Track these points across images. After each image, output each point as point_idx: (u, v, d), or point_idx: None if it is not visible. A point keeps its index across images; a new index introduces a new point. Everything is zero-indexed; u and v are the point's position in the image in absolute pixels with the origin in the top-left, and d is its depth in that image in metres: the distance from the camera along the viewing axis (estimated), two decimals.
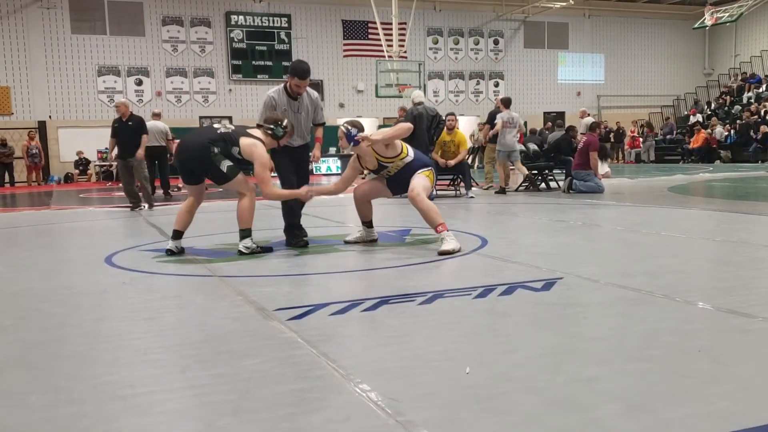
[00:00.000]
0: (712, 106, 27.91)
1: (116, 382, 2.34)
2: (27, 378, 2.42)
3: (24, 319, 3.36)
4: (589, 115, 16.59)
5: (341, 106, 25.81)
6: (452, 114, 11.13)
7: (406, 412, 1.96)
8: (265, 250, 5.20)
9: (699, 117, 26.37)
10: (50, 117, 22.54)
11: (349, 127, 5.22)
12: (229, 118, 24.84)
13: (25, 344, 2.88)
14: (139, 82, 23.57)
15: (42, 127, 22.31)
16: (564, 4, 27.21)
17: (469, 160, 13.11)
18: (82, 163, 22.55)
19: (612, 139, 25.33)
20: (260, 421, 1.94)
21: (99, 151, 22.37)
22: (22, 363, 2.61)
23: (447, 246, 4.86)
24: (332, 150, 24.31)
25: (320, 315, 3.17)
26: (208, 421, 1.97)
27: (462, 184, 10.82)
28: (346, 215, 8.91)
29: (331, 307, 3.29)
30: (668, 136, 26.42)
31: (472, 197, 10.28)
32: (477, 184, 12.93)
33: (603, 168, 12.80)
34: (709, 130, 23.82)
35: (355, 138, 5.13)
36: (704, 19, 26.42)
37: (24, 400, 2.18)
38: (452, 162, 10.60)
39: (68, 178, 22.43)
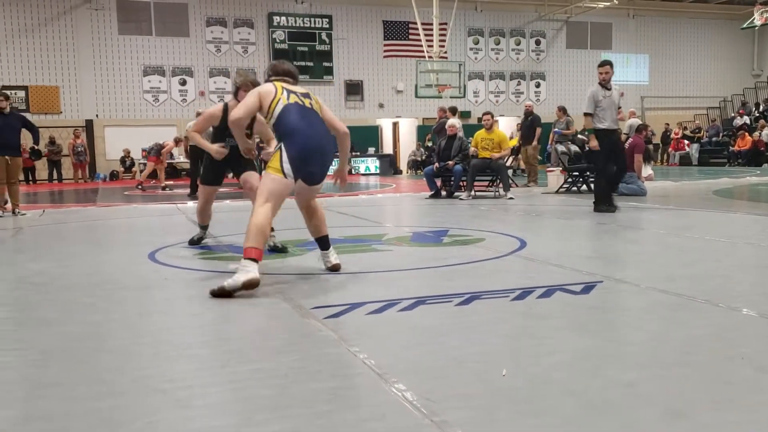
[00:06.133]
0: (761, 108, 27.18)
1: (157, 375, 2.39)
2: (72, 370, 2.49)
3: (70, 312, 3.46)
4: (637, 116, 16.32)
5: (381, 106, 25.86)
6: (488, 113, 11.01)
7: (442, 413, 1.96)
8: (279, 250, 5.19)
9: (746, 119, 25.70)
10: (97, 116, 23.07)
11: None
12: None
13: (71, 337, 2.96)
14: (183, 82, 23.96)
15: (89, 125, 22.86)
16: (608, 4, 26.80)
17: (510, 161, 12.99)
18: (127, 162, 22.98)
19: (660, 141, 24.87)
20: (296, 417, 1.97)
21: (143, 150, 22.80)
22: (68, 355, 2.69)
23: (229, 281, 3.60)
24: (371, 150, 24.44)
25: (357, 314, 3.19)
26: (246, 416, 2.00)
27: (501, 185, 10.75)
28: (384, 215, 8.94)
29: (368, 307, 3.31)
30: (714, 139, 25.82)
31: (511, 198, 10.21)
32: (516, 185, 12.85)
33: (646, 170, 12.59)
34: (756, 133, 23.19)
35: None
36: (753, 19, 25.72)
37: (69, 391, 2.24)
38: (497, 155, 10.55)
39: (114, 176, 22.92)
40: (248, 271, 3.60)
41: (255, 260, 3.67)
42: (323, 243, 4.39)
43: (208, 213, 5.81)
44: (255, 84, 4.69)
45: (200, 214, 5.80)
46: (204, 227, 5.89)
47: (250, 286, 3.58)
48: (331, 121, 4.24)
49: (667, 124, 26.40)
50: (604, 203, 7.90)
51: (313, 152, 4.01)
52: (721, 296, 3.38)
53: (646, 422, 1.87)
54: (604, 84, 7.95)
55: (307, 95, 4.21)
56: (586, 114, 7.97)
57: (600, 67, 8.11)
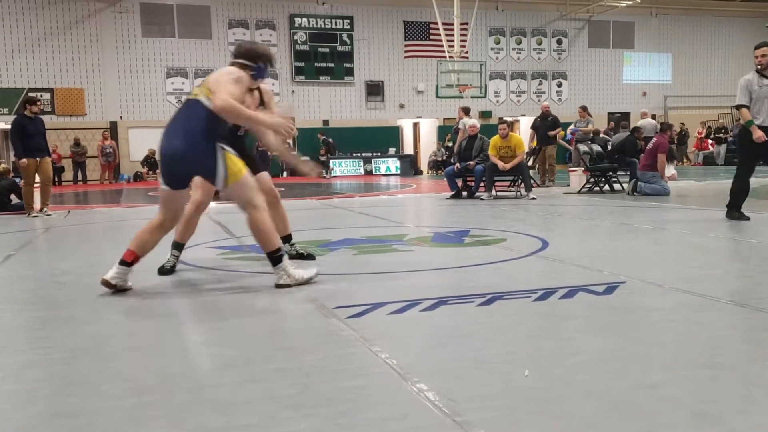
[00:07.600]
0: None
1: (182, 374, 2.42)
2: (98, 368, 2.53)
3: (96, 311, 3.50)
4: (652, 116, 16.14)
5: (401, 106, 25.87)
6: (504, 123, 10.91)
7: (464, 413, 1.96)
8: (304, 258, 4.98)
9: None
10: (121, 117, 23.34)
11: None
12: (292, 119, 25.21)
13: (97, 335, 3.00)
14: None
15: (113, 127, 23.13)
16: (630, 2, 26.56)
17: (530, 162, 12.92)
18: (150, 163, 23.18)
19: (675, 141, 24.55)
20: (319, 416, 1.98)
21: None
22: (94, 353, 2.73)
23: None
24: (392, 150, 24.44)
25: (379, 314, 3.20)
26: (270, 414, 2.01)
27: (522, 185, 10.70)
28: (405, 216, 8.94)
29: (390, 307, 3.31)
30: None
31: (533, 198, 10.16)
32: (537, 185, 12.79)
33: (669, 170, 12.47)
34: None
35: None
36: None
37: (95, 389, 2.28)
38: (508, 165, 10.49)
39: (138, 177, 23.18)
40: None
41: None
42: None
43: (193, 226, 4.63)
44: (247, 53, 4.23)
45: (184, 226, 4.52)
46: (179, 246, 4.64)
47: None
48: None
49: (683, 124, 25.94)
50: (737, 209, 6.73)
51: (162, 157, 4.08)
52: (747, 297, 3.34)
53: (671, 425, 1.85)
54: (762, 71, 6.64)
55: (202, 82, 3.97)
56: (739, 106, 6.74)
57: (756, 49, 6.72)
